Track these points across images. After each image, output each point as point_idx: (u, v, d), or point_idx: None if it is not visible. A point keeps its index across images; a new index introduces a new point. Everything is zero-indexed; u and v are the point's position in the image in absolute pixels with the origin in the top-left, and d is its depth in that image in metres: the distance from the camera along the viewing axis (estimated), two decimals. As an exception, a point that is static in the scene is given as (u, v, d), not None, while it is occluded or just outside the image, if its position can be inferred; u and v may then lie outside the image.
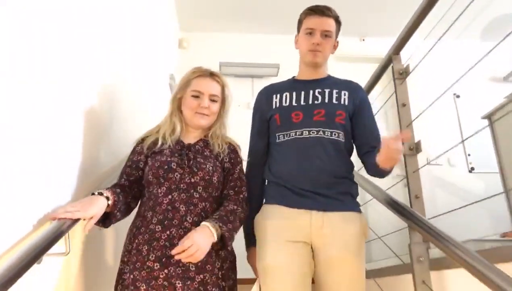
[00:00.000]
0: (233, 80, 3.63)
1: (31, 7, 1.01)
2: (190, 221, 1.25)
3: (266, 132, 1.56)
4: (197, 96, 1.39)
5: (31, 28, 1.00)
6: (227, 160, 1.42)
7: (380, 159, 1.25)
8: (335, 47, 1.56)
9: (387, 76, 1.92)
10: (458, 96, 3.68)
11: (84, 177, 1.34)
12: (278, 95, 1.54)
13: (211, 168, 1.33)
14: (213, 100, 1.41)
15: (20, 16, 0.95)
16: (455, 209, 1.44)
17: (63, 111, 1.19)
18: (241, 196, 1.38)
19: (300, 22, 1.56)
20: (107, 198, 1.18)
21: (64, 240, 1.08)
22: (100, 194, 1.17)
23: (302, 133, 1.44)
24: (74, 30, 1.28)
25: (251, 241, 1.46)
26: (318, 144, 1.42)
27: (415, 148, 1.59)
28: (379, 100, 2.43)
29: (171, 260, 1.19)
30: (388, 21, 3.63)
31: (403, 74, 1.69)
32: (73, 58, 1.27)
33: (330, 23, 1.49)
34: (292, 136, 1.46)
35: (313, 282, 1.37)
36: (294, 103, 1.50)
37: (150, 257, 1.20)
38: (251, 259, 1.46)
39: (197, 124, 1.41)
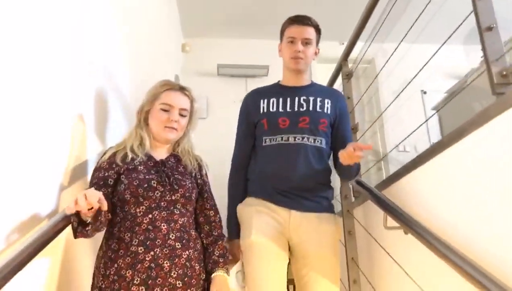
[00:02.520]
0: (229, 80, 4.24)
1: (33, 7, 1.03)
2: (173, 238, 1.24)
3: (253, 135, 1.65)
4: (166, 110, 1.38)
5: (26, 28, 1.00)
6: (199, 176, 1.45)
7: (342, 156, 1.39)
8: (316, 54, 1.68)
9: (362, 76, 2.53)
10: (425, 92, 4.28)
11: (72, 180, 1.31)
12: (266, 101, 1.63)
13: (190, 184, 1.35)
14: (182, 115, 1.41)
15: (11, 15, 0.94)
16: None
17: (52, 113, 1.17)
18: (218, 215, 1.45)
19: (282, 32, 1.68)
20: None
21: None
22: None
23: (288, 139, 1.55)
24: (71, 31, 1.29)
25: (233, 234, 1.57)
26: (302, 150, 1.54)
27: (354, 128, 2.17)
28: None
29: (157, 281, 1.17)
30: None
31: (349, 75, 2.30)
32: (69, 59, 1.28)
33: (310, 32, 1.61)
34: (278, 141, 1.56)
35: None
36: (280, 110, 1.61)
37: (135, 281, 1.16)
38: (233, 250, 1.55)
39: (165, 138, 1.40)
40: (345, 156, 1.37)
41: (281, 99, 1.62)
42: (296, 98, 1.62)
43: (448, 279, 1.16)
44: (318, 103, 1.61)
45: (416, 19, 1.62)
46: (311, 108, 1.60)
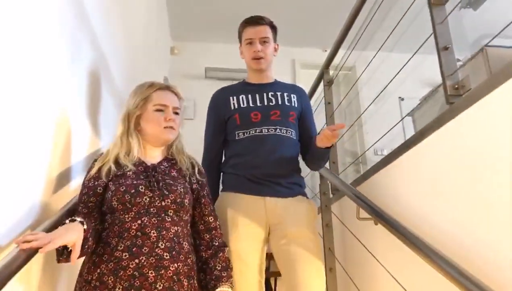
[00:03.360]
0: (216, 82, 4.41)
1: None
2: (162, 247, 1.17)
3: (223, 131, 1.69)
4: (161, 110, 1.33)
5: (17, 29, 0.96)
6: (195, 180, 1.38)
7: (318, 138, 1.50)
8: (276, 50, 1.73)
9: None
10: (402, 99, 4.55)
11: (55, 186, 1.27)
12: (235, 97, 1.68)
13: (182, 189, 1.28)
14: (176, 113, 1.37)
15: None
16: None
17: (32, 113, 1.11)
18: (218, 221, 1.40)
19: (240, 34, 1.73)
20: (82, 223, 1.09)
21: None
22: (72, 220, 1.09)
23: (262, 131, 1.61)
24: (60, 31, 1.27)
25: None
26: (275, 139, 1.61)
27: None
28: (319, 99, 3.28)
29: None
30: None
31: (330, 82, 2.51)
32: (55, 59, 1.24)
33: (266, 30, 1.67)
34: (252, 133, 1.62)
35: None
36: (251, 104, 1.66)
37: (117, 289, 1.10)
38: None
39: (165, 140, 1.35)
40: (323, 138, 1.48)
41: (250, 96, 1.68)
42: (264, 94, 1.68)
43: (413, 264, 1.35)
44: (286, 98, 1.70)
45: (393, 30, 1.84)
46: (280, 102, 1.68)
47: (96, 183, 1.26)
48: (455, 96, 1.27)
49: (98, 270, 1.13)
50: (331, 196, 2.24)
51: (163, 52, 4.18)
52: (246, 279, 1.45)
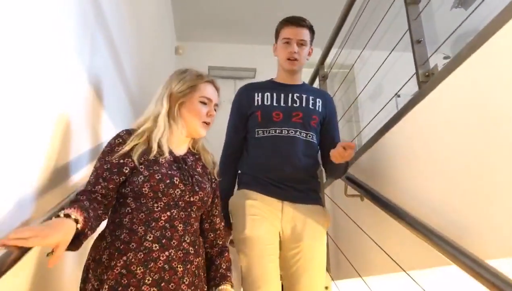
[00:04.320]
0: (219, 81, 4.59)
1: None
2: (188, 241, 1.18)
3: (245, 127, 1.69)
4: (204, 103, 1.30)
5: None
6: (214, 179, 1.37)
7: (332, 154, 1.47)
8: (310, 54, 1.73)
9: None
10: (399, 96, 4.75)
11: (51, 184, 1.19)
12: (260, 94, 1.68)
13: (209, 189, 1.29)
14: (215, 110, 1.35)
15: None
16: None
17: (30, 106, 1.04)
18: (223, 222, 1.41)
19: (277, 32, 1.73)
20: (76, 221, 0.97)
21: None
22: (67, 216, 0.97)
23: (281, 132, 1.61)
24: (67, 26, 1.28)
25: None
26: (294, 142, 1.60)
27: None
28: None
29: (170, 285, 1.10)
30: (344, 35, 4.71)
31: (324, 77, 2.74)
32: (60, 58, 1.23)
33: (305, 33, 1.67)
34: (272, 133, 1.61)
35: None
36: (275, 104, 1.66)
37: (146, 281, 1.08)
38: None
39: (200, 134, 1.32)
40: (336, 155, 1.45)
41: (275, 94, 1.68)
42: (290, 95, 1.68)
43: (396, 233, 1.56)
44: (311, 101, 1.69)
45: (376, 29, 2.06)
46: (304, 104, 1.67)
47: (123, 160, 1.17)
48: (425, 82, 1.49)
49: (125, 258, 1.09)
50: (324, 180, 2.46)
51: (168, 52, 4.41)
52: (264, 263, 1.47)
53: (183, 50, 4.63)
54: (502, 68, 1.09)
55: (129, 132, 1.24)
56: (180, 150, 1.31)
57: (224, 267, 1.31)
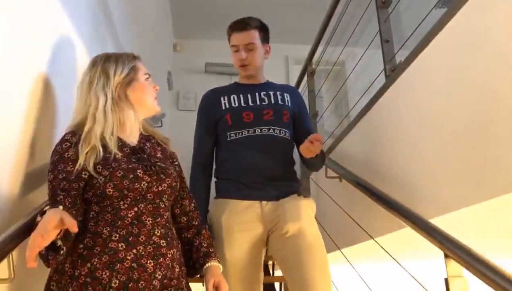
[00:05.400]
0: (216, 77, 4.88)
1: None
2: (158, 234, 1.12)
3: (213, 133, 1.66)
4: (148, 79, 1.28)
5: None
6: (176, 162, 1.33)
7: (302, 151, 1.47)
8: (267, 52, 1.71)
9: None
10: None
11: (29, 185, 1.17)
12: (226, 97, 1.66)
13: (175, 173, 1.24)
14: None
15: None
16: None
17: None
18: (193, 203, 1.35)
19: (228, 38, 1.70)
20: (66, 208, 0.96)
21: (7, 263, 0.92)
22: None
23: (254, 132, 1.59)
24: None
25: None
26: (269, 140, 1.59)
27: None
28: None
29: (139, 284, 1.03)
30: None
31: (312, 73, 3.00)
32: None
33: (252, 36, 1.62)
34: (245, 134, 1.59)
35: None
36: (243, 104, 1.64)
37: (112, 284, 1.02)
38: None
39: (156, 109, 1.29)
40: (305, 150, 1.45)
41: (241, 95, 1.66)
42: (257, 94, 1.67)
43: (366, 207, 1.81)
44: (279, 97, 1.69)
45: (354, 29, 2.32)
46: (273, 101, 1.67)
47: (76, 165, 1.08)
48: (391, 76, 1.76)
49: (89, 264, 1.03)
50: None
51: (167, 48, 4.67)
52: (245, 287, 1.46)
53: (181, 47, 4.88)
54: (449, 60, 1.36)
55: (74, 134, 1.14)
56: (134, 137, 1.23)
57: (205, 244, 1.27)
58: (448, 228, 1.23)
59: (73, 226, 0.86)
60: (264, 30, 1.70)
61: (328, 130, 3.23)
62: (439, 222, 1.31)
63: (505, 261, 1.71)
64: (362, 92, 2.97)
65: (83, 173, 1.09)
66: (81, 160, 1.09)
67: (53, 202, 1.04)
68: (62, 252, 0.96)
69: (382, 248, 1.64)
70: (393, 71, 1.77)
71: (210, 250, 1.27)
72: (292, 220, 1.48)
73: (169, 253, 1.13)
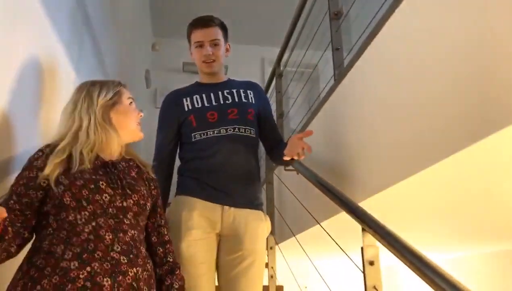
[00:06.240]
0: (193, 76, 5.04)
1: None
2: (118, 250, 1.06)
3: (176, 135, 1.68)
4: (131, 103, 1.29)
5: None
6: (153, 186, 1.31)
7: (286, 152, 1.51)
8: (227, 50, 1.75)
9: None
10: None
11: None
12: (188, 98, 1.66)
13: (145, 191, 1.21)
14: None
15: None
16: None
17: None
18: (169, 237, 1.33)
19: (188, 36, 1.71)
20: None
21: None
22: None
23: (219, 132, 1.60)
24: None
25: None
26: (234, 140, 1.60)
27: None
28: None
29: None
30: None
31: (280, 75, 3.25)
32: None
33: (216, 32, 1.66)
34: (210, 134, 1.60)
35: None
36: (206, 104, 1.64)
37: None
38: None
39: (140, 136, 1.30)
40: (292, 149, 1.50)
41: (204, 95, 1.67)
42: (220, 92, 1.68)
43: (315, 196, 2.05)
44: (242, 94, 1.70)
45: (313, 36, 2.57)
46: (237, 99, 1.68)
47: (40, 173, 1.09)
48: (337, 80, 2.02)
49: (38, 287, 0.98)
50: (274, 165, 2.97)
51: (145, 47, 4.86)
52: (200, 283, 1.50)
53: (160, 46, 5.08)
54: (388, 60, 1.58)
55: (49, 146, 1.16)
56: (113, 157, 1.24)
57: (176, 286, 1.24)
58: (373, 209, 1.48)
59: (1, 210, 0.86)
60: (225, 29, 1.75)
61: (292, 128, 3.50)
62: (366, 204, 1.57)
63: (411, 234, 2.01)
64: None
65: (43, 181, 1.08)
66: (46, 171, 1.08)
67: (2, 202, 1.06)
68: None
69: (325, 230, 1.89)
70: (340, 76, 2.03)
71: None
72: (250, 243, 1.56)
73: (130, 271, 1.06)
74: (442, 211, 2.01)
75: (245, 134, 1.64)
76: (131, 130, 1.27)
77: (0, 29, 1.16)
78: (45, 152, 1.14)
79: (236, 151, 1.61)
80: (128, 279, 1.05)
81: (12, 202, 1.05)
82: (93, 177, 1.11)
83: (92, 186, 1.09)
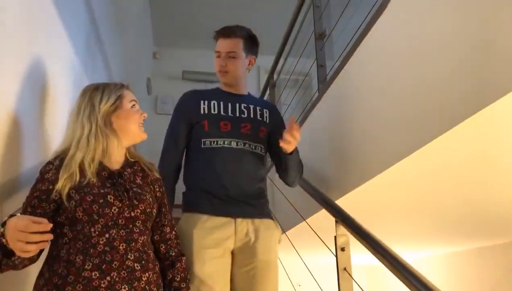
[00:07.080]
0: (192, 84, 5.35)
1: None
2: (132, 258, 1.16)
3: (187, 137, 1.66)
4: (134, 106, 1.32)
5: None
6: (158, 188, 1.36)
7: (281, 141, 1.50)
8: (251, 63, 1.72)
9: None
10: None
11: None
12: (206, 102, 1.65)
13: (150, 199, 1.28)
14: None
15: None
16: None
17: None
18: (174, 231, 1.39)
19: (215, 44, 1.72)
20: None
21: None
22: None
23: (230, 143, 1.59)
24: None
25: None
26: (244, 155, 1.61)
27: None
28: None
29: None
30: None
31: (273, 85, 3.52)
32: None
33: (235, 44, 1.64)
34: (220, 144, 1.59)
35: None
36: (222, 113, 1.64)
37: None
38: None
39: (142, 137, 1.33)
40: (285, 141, 1.50)
41: (222, 103, 1.67)
42: (237, 104, 1.68)
43: (302, 195, 2.33)
44: (258, 112, 1.71)
45: (303, 50, 2.85)
46: (252, 115, 1.69)
47: (52, 186, 1.16)
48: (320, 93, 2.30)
49: None
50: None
51: (147, 56, 5.13)
52: None
53: (160, 55, 5.35)
54: (369, 74, 1.81)
55: (57, 157, 1.23)
56: (118, 163, 1.30)
57: (178, 279, 1.31)
58: (348, 207, 1.75)
59: (46, 223, 0.94)
60: (250, 41, 1.72)
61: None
62: (342, 202, 1.85)
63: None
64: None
65: (55, 194, 1.15)
66: (59, 185, 1.15)
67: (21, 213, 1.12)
68: (15, 257, 1.01)
69: (310, 226, 2.16)
70: (325, 84, 2.30)
71: (182, 286, 1.32)
72: (263, 253, 1.55)
73: (144, 276, 1.17)
74: (407, 208, 2.29)
75: (255, 151, 1.66)
76: (132, 133, 1.30)
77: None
78: (55, 164, 1.20)
79: (246, 165, 1.63)
80: (142, 283, 1.16)
81: (27, 213, 1.13)
82: (101, 190, 1.18)
83: (101, 201, 1.16)
